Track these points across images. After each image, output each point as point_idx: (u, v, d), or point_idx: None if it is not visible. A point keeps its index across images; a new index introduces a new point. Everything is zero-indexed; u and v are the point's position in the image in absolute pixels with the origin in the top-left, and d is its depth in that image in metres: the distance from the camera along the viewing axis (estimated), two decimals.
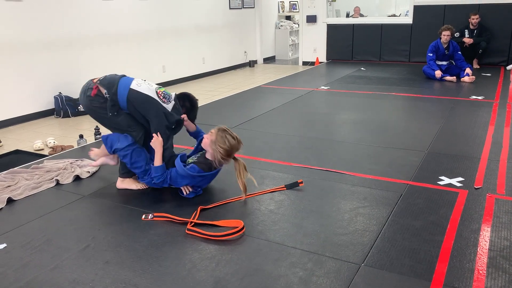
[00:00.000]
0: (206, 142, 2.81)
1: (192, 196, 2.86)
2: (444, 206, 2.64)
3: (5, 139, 4.83)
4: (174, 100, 2.94)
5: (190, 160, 2.93)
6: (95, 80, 2.90)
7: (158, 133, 2.82)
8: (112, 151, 2.90)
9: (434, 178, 3.06)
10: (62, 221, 2.61)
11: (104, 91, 2.84)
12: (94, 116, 3.00)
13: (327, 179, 3.10)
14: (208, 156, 2.84)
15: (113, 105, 2.85)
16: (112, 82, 2.85)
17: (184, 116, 3.01)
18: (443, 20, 8.01)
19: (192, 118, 3.12)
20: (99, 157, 3.15)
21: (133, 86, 2.84)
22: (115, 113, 2.88)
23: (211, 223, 2.47)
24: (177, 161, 2.81)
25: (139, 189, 3.00)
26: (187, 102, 3.06)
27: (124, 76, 2.94)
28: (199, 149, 3.01)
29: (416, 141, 3.89)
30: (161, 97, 2.87)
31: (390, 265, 2.07)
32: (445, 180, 3.01)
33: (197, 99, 3.16)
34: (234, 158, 2.79)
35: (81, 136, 4.34)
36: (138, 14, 7.15)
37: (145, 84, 2.89)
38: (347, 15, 10.23)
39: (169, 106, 2.88)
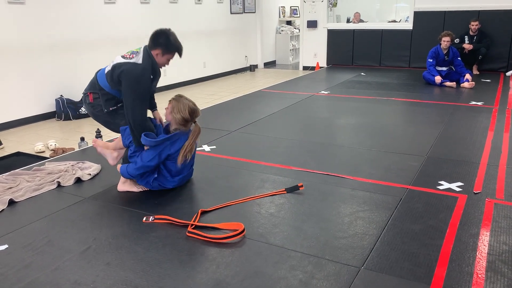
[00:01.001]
0: (167, 112, 2.90)
1: (147, 187, 2.94)
2: (443, 211, 2.65)
3: (7, 141, 4.85)
4: (143, 50, 2.89)
5: None
6: (84, 91, 3.06)
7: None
8: (129, 142, 2.91)
9: (434, 182, 3.07)
10: (64, 222, 2.62)
11: (96, 92, 2.95)
12: (100, 121, 3.09)
13: (327, 183, 3.11)
14: (171, 127, 2.92)
15: (106, 99, 2.93)
16: (93, 81, 3.01)
17: (167, 58, 2.91)
18: (443, 26, 8.05)
19: (173, 50, 2.90)
20: (103, 148, 3.17)
21: (106, 70, 2.93)
22: (112, 109, 2.96)
23: (212, 226, 2.48)
24: (142, 137, 2.80)
25: (139, 191, 3.01)
26: (159, 39, 2.87)
27: (100, 69, 3.03)
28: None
29: (416, 145, 3.91)
30: (128, 57, 2.87)
31: (389, 268, 2.08)
32: (445, 185, 3.03)
33: (169, 29, 2.91)
34: (195, 122, 2.90)
35: (82, 139, 4.36)
36: (140, 18, 7.19)
37: (113, 61, 2.93)
38: (348, 21, 10.28)
39: (138, 58, 2.85)
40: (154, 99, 3.25)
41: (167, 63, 2.97)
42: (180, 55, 2.94)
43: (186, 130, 2.90)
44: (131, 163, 2.89)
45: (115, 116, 3.00)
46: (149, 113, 3.08)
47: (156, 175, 2.92)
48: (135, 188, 3.01)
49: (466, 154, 3.67)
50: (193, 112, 2.87)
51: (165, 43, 2.86)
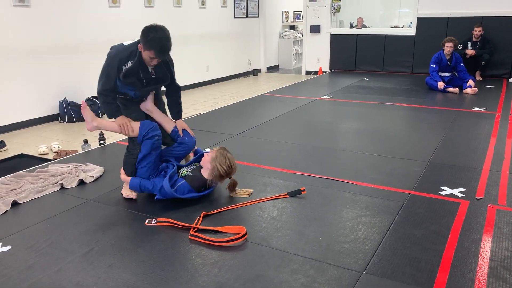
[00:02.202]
0: (206, 159, 2.85)
1: (160, 198, 2.88)
2: (445, 216, 2.65)
3: (10, 143, 4.87)
4: (136, 40, 2.83)
5: (183, 171, 2.92)
6: None
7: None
8: (142, 138, 2.85)
9: (436, 188, 3.07)
10: (66, 224, 2.63)
11: None
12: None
13: (330, 187, 3.12)
14: (204, 173, 2.86)
15: None
16: None
17: (148, 55, 2.72)
18: (446, 32, 8.06)
19: (148, 47, 2.70)
20: (89, 113, 3.00)
21: None
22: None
23: (214, 229, 2.49)
24: (166, 182, 2.77)
25: (128, 196, 2.94)
26: (144, 33, 2.73)
27: None
28: (192, 161, 3.05)
29: (418, 151, 3.91)
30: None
31: (391, 273, 2.09)
32: (447, 190, 3.03)
33: (161, 26, 2.78)
34: (230, 177, 2.90)
35: (85, 141, 4.38)
36: (144, 21, 7.17)
37: None
38: (351, 26, 10.31)
39: (125, 43, 2.85)
40: (176, 107, 3.11)
41: (152, 62, 2.79)
42: (159, 55, 2.73)
43: (222, 182, 2.91)
44: (146, 183, 2.81)
45: (123, 108, 2.94)
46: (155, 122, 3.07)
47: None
48: (129, 193, 2.98)
49: (469, 160, 3.67)
50: (233, 170, 2.86)
51: (145, 38, 2.71)
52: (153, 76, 2.92)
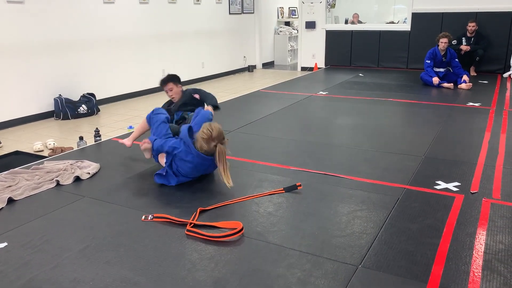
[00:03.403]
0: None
1: (161, 182, 3.07)
2: (440, 210, 2.67)
3: (5, 140, 4.85)
4: None
5: None
6: None
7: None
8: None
9: (431, 182, 3.09)
10: (62, 221, 2.63)
11: None
12: None
13: (325, 183, 3.13)
14: (197, 144, 2.99)
15: None
16: None
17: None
18: (441, 28, 8.08)
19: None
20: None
21: None
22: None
23: (211, 224, 2.49)
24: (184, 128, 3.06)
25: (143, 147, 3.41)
26: None
27: None
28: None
29: (413, 146, 3.93)
30: None
31: (387, 266, 2.10)
32: (442, 185, 3.05)
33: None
34: (215, 146, 2.91)
35: (81, 138, 4.36)
36: (139, 18, 7.19)
37: None
38: (346, 22, 10.31)
39: None
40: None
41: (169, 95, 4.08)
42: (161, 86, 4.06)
43: (207, 150, 2.92)
44: (158, 140, 3.19)
45: None
46: None
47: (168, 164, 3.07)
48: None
49: (463, 154, 3.69)
50: (220, 134, 2.92)
51: None
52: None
